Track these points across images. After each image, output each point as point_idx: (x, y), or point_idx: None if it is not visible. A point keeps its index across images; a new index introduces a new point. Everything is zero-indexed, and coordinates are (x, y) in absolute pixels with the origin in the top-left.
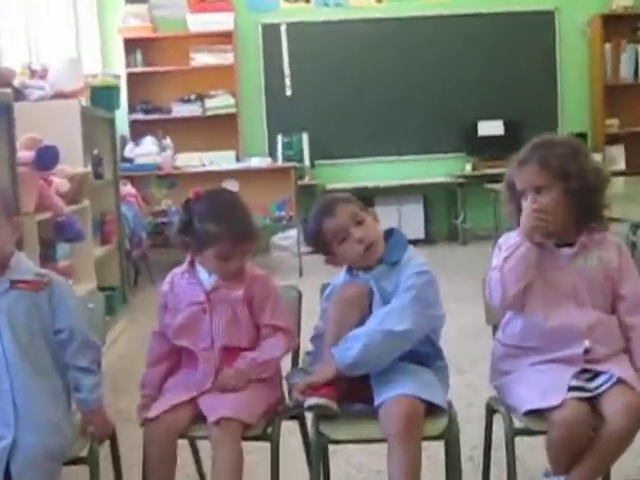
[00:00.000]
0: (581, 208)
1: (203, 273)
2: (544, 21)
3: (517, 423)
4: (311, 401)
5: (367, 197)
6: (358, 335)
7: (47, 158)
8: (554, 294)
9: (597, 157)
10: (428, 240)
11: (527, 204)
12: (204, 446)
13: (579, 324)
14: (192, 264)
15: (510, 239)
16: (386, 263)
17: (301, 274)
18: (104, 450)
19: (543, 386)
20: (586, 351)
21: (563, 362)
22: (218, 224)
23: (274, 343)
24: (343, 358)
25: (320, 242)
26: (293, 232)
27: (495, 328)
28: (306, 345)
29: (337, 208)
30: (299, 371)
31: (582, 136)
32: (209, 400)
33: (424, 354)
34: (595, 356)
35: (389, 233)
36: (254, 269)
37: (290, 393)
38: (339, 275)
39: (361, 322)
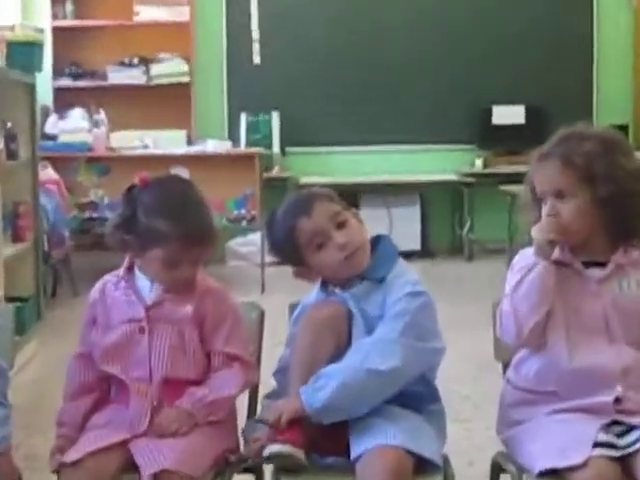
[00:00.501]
0: (615, 219)
1: (143, 282)
2: None
3: None
4: (272, 448)
5: (350, 196)
6: (333, 372)
7: None
8: (580, 327)
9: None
10: (425, 252)
11: (544, 212)
12: None
13: (611, 366)
14: (130, 270)
15: (526, 257)
16: (370, 279)
17: (263, 290)
18: None
19: (563, 440)
20: (617, 399)
21: (589, 412)
22: (168, 220)
23: (228, 377)
24: (312, 400)
25: (290, 248)
26: (255, 237)
27: (506, 366)
28: (268, 382)
29: (315, 205)
30: (258, 424)
31: (623, 129)
32: (144, 446)
33: (415, 395)
34: (628, 406)
35: (375, 241)
36: (207, 281)
37: (246, 443)
38: (311, 292)
39: (337, 352)
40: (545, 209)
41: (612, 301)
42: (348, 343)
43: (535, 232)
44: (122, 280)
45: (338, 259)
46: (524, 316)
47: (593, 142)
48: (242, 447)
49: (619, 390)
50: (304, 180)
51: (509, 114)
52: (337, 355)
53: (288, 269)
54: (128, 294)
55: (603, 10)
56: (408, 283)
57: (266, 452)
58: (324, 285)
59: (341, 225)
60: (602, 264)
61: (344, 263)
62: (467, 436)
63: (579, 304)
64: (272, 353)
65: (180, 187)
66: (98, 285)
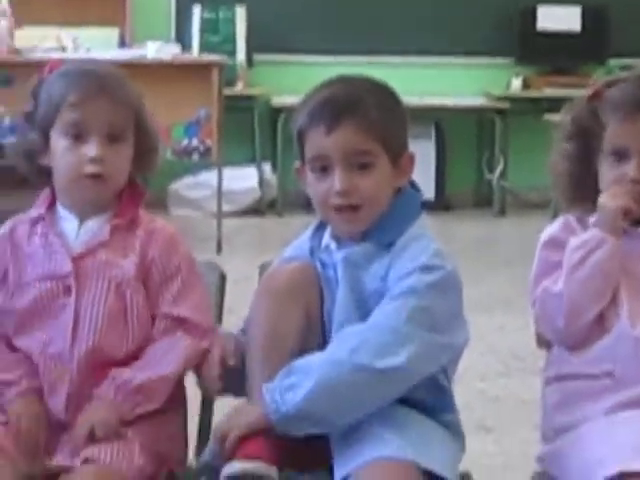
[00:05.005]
0: None
1: (70, 223)
2: None
3: None
4: (234, 467)
5: None
6: (309, 366)
7: None
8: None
9: None
10: (441, 204)
11: (620, 172)
12: None
13: None
14: (51, 207)
15: (555, 234)
16: (374, 241)
17: (220, 249)
18: None
19: (633, 439)
20: None
21: None
22: (65, 78)
23: (166, 348)
24: (279, 403)
25: (298, 130)
26: (210, 176)
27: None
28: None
29: (345, 123)
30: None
31: None
32: (59, 456)
33: (423, 402)
34: None
35: (397, 190)
36: (155, 222)
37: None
38: (296, 240)
39: (308, 332)
40: (619, 170)
41: None
42: (321, 320)
43: (607, 199)
44: (39, 221)
45: (331, 204)
46: (583, 306)
47: None
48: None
49: None
50: (277, 100)
51: (560, 17)
52: (308, 337)
53: (251, 222)
54: (48, 240)
55: None
56: (424, 252)
57: (226, 473)
58: (320, 228)
59: (362, 167)
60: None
61: (337, 216)
62: (493, 450)
63: (635, 266)
64: (234, 330)
65: (100, 67)
66: (4, 229)
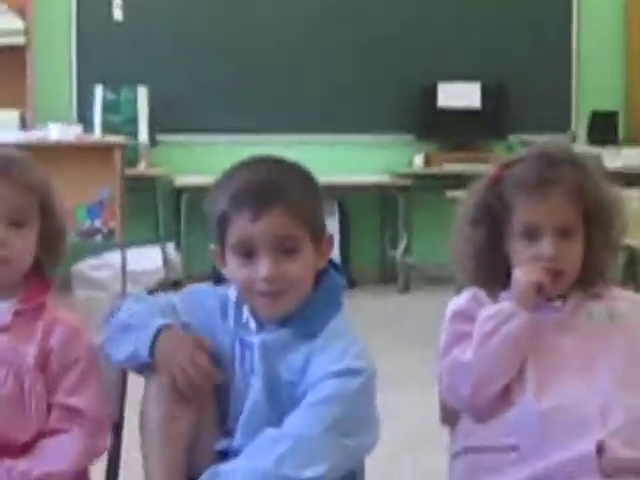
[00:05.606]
0: (593, 253)
1: None
2: None
3: None
4: None
5: None
6: (235, 473)
7: None
8: (548, 362)
9: (633, 152)
10: (346, 280)
11: (534, 252)
12: None
13: (587, 405)
14: None
15: (464, 306)
16: (294, 329)
17: None
18: None
19: None
20: (599, 449)
21: (565, 473)
22: None
23: (62, 443)
24: None
25: (220, 214)
26: (115, 256)
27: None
28: (131, 456)
29: (272, 210)
30: None
31: (610, 117)
32: None
33: None
34: (614, 457)
35: (321, 273)
36: (58, 310)
37: None
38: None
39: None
40: (532, 250)
41: (583, 332)
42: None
43: (521, 273)
44: None
45: (256, 289)
46: (491, 376)
47: (586, 168)
48: None
49: (599, 436)
50: (180, 180)
51: (460, 93)
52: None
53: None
54: None
55: None
56: (347, 354)
57: None
58: (238, 303)
59: (288, 252)
60: (561, 295)
61: (262, 300)
62: None
63: (547, 340)
64: (135, 417)
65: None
66: None
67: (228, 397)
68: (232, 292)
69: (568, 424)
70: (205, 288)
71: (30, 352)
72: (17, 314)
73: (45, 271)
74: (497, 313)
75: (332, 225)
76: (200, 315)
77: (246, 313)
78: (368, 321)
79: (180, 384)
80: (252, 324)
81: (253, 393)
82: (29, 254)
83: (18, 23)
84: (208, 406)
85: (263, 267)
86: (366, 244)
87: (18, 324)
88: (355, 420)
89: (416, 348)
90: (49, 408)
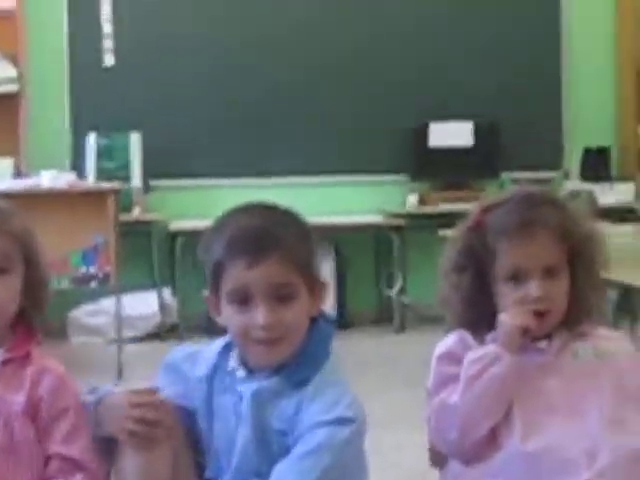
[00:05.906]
0: (577, 293)
1: None
2: None
3: None
4: None
5: None
6: None
7: None
8: (535, 405)
9: (625, 187)
10: (341, 322)
11: (521, 294)
12: None
13: (573, 447)
14: None
15: (451, 348)
16: (286, 377)
17: (120, 375)
18: None
19: None
20: None
21: None
22: None
23: None
24: None
25: (214, 262)
26: (110, 302)
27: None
28: None
29: (270, 255)
30: None
31: (601, 153)
32: None
33: None
34: None
35: (311, 322)
36: (45, 360)
37: None
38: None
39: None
40: (519, 292)
41: (569, 372)
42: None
43: (507, 317)
44: None
45: (252, 337)
46: (477, 419)
47: (566, 209)
48: None
49: (586, 476)
50: (174, 224)
51: (452, 133)
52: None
53: (152, 347)
54: None
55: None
56: (339, 403)
57: None
58: (228, 346)
59: (284, 299)
60: (547, 335)
61: (257, 348)
62: None
63: (532, 380)
64: None
65: None
66: None
67: (209, 447)
68: (211, 348)
69: (554, 465)
70: (175, 355)
71: (18, 401)
72: (4, 363)
73: (30, 320)
74: (483, 356)
75: (327, 265)
76: (176, 382)
77: (232, 362)
78: (363, 361)
79: (130, 440)
80: (240, 373)
81: (242, 442)
82: (13, 302)
83: (11, 71)
84: (182, 455)
85: (260, 315)
86: (362, 284)
87: (5, 373)
88: (345, 469)
89: (409, 388)
90: (44, 457)
